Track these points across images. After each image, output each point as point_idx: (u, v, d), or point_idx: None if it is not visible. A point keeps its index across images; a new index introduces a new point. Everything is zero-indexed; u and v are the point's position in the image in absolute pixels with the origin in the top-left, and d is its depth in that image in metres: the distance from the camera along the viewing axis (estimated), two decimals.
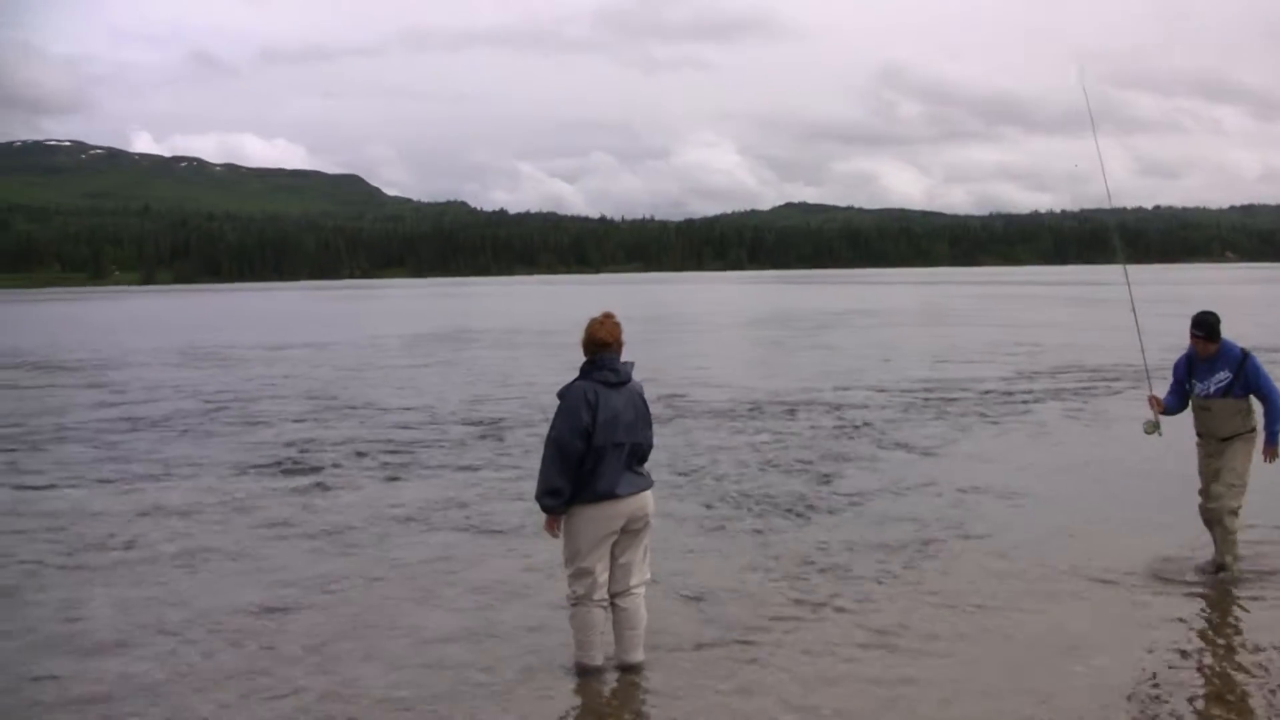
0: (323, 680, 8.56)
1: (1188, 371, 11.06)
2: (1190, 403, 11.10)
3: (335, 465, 18.18)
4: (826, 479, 16.19)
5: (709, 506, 14.45)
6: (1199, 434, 11.08)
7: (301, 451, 19.63)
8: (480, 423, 22.92)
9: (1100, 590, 10.42)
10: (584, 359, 8.33)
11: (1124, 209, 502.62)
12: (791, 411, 23.63)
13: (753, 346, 45.42)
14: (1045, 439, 19.89)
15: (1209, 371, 10.85)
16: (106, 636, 9.65)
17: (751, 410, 23.90)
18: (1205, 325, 10.81)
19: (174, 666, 8.90)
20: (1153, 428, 11.23)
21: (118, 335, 62.96)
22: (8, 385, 33.51)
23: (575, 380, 8.26)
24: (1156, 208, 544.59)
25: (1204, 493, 11.00)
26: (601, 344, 8.25)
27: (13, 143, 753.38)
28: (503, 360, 39.23)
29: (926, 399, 25.53)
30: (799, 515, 13.87)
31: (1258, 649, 8.94)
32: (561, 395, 8.22)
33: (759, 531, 13.09)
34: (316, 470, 17.72)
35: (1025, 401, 24.82)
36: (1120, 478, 15.27)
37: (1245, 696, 8.02)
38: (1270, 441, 10.73)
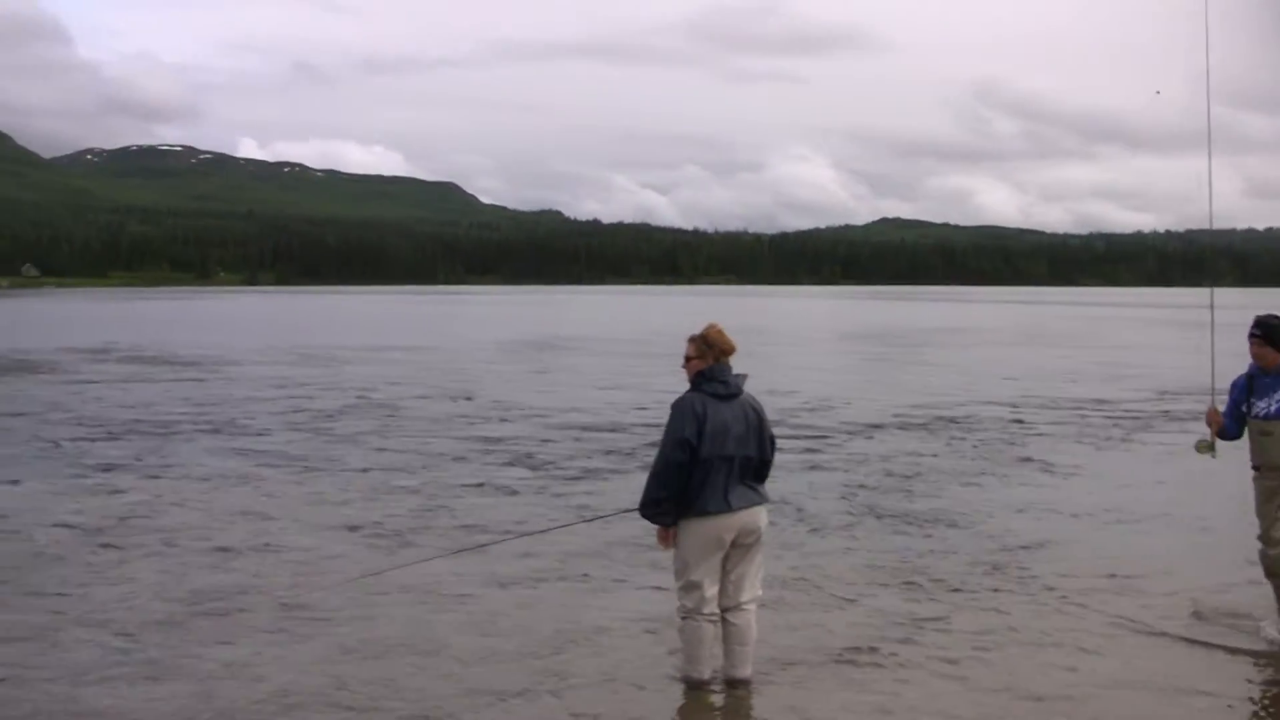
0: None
1: (1247, 389, 9.65)
2: (1247, 427, 9.65)
3: (567, 459, 19.22)
4: (943, 493, 16.13)
5: (826, 521, 14.29)
6: (1256, 466, 9.60)
7: (519, 447, 20.58)
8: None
9: (1186, 640, 9.64)
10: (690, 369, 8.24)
11: (1232, 230, 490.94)
12: (909, 427, 23.48)
13: (860, 362, 45.15)
14: (1173, 463, 19.10)
15: (1271, 388, 9.46)
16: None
17: (869, 426, 23.67)
18: (1263, 325, 9.52)
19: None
20: (1206, 447, 10.04)
21: (225, 334, 63.86)
22: (148, 379, 34.26)
23: (687, 392, 8.14)
24: (1269, 230, 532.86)
25: (1265, 538, 9.57)
26: (725, 352, 8.14)
27: (129, 147, 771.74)
28: (629, 366, 39.68)
29: (1046, 418, 25.19)
30: (917, 530, 13.79)
31: None
32: (673, 407, 8.13)
33: (873, 545, 13.01)
34: (557, 465, 18.62)
35: (1150, 423, 24.34)
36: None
37: None
38: None
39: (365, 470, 17.88)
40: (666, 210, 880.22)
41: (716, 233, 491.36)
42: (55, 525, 13.67)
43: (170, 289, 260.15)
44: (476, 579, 11.21)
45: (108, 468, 17.98)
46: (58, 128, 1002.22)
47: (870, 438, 22.02)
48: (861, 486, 16.58)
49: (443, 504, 15.15)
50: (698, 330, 8.27)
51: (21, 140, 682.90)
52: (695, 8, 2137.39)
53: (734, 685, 8.35)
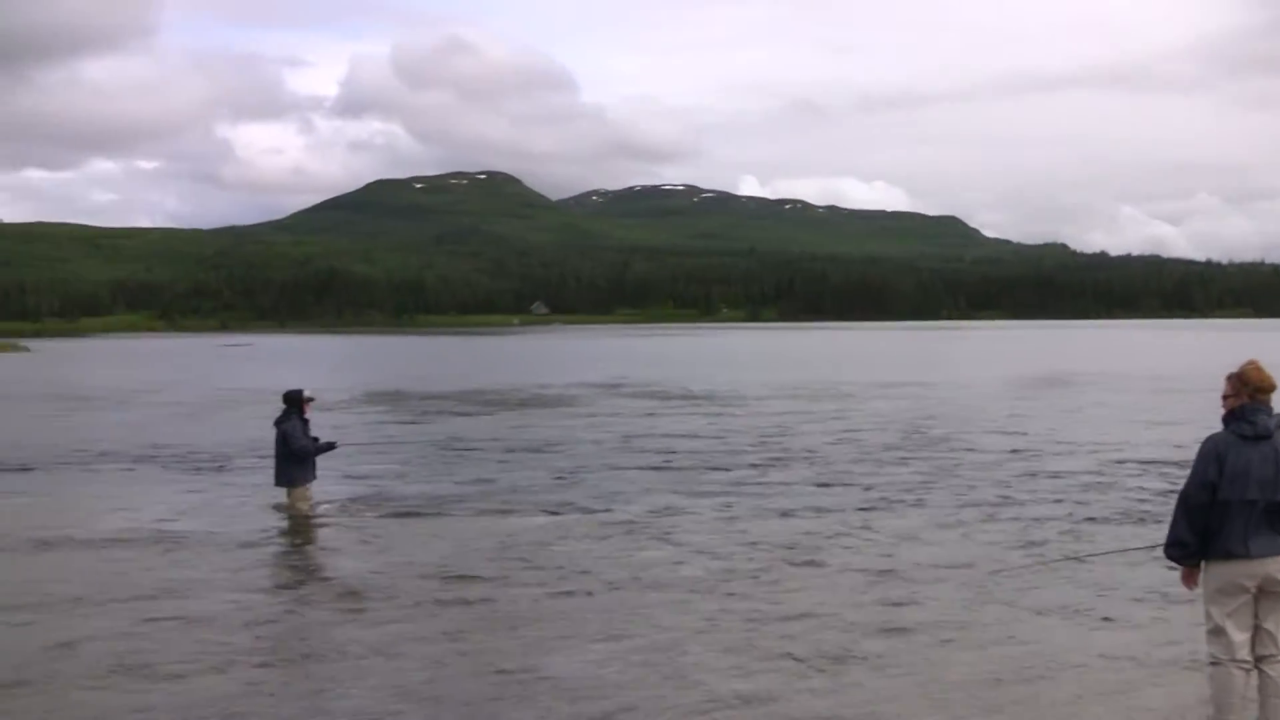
0: None
1: None
2: None
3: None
4: None
5: None
6: None
7: (1106, 479, 20.37)
8: None
9: None
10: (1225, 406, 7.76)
11: None
12: None
13: None
14: None
15: None
16: None
17: None
18: None
19: None
20: None
21: (731, 369, 64.77)
22: (673, 413, 35.23)
23: (1216, 433, 7.70)
24: None
25: None
26: (1261, 390, 7.62)
27: (633, 188, 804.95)
28: (1166, 403, 37.33)
29: None
30: None
31: None
32: (1199, 447, 7.70)
33: None
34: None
35: None
36: None
37: None
38: None
39: (1000, 503, 17.84)
40: (1177, 241, 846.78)
41: (1231, 264, 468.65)
42: (746, 544, 14.62)
43: (673, 325, 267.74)
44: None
45: (725, 493, 18.90)
46: (565, 171, 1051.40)
47: None
48: None
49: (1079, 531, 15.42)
50: (1235, 368, 7.80)
51: (531, 184, 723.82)
52: (1204, 31, 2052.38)
53: None
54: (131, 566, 13.59)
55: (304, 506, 16.92)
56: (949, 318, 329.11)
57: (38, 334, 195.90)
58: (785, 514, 16.80)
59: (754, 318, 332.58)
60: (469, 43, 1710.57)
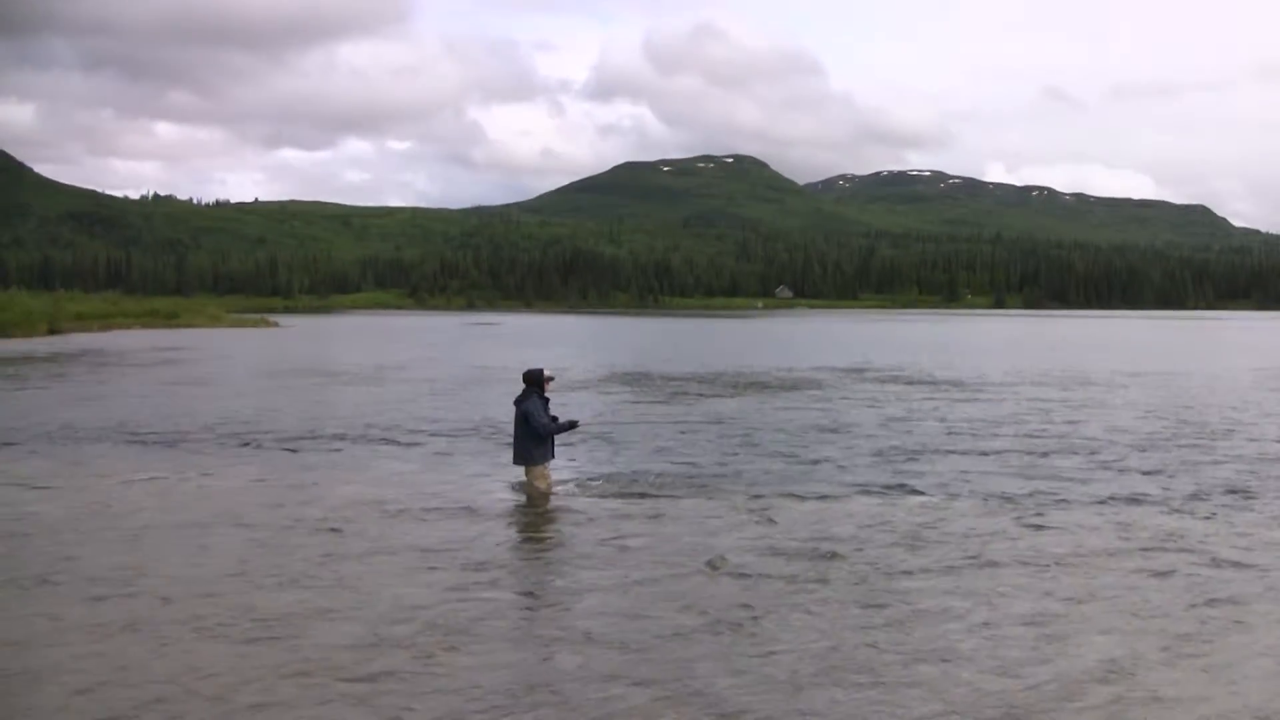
0: None
1: None
2: None
3: None
4: None
5: None
6: None
7: None
8: None
9: None
10: None
11: None
12: None
13: None
14: None
15: None
16: None
17: None
18: None
19: None
20: None
21: (973, 356, 63.33)
22: (926, 398, 34.35)
23: None
24: None
25: None
26: None
27: (880, 173, 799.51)
28: None
29: None
30: None
31: None
32: None
33: None
34: None
35: None
36: None
37: None
38: None
39: None
40: None
41: None
42: (1116, 524, 15.13)
43: (917, 311, 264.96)
44: None
45: (1049, 476, 19.17)
46: (813, 156, 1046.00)
47: None
48: None
49: None
50: None
51: (778, 168, 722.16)
52: None
53: None
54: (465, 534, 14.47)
55: (542, 485, 17.02)
56: (1196, 308, 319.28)
57: (289, 310, 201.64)
58: (1130, 500, 16.95)
59: (999, 305, 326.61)
60: (719, 28, 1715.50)
